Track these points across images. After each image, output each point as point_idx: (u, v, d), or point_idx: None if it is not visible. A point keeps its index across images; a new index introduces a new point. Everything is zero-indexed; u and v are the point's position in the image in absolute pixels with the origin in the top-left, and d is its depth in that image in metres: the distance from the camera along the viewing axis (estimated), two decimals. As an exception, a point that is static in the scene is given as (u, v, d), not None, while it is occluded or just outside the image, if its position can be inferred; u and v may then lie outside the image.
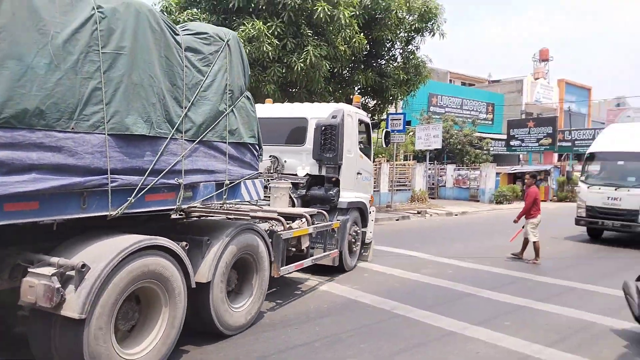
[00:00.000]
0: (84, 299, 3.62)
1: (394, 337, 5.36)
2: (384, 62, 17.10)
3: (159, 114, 4.44)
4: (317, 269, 8.01)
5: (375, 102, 17.74)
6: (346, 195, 8.46)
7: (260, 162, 5.96)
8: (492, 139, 31.86)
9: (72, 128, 3.70)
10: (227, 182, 5.23)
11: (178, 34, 4.78)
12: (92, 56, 3.83)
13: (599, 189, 12.22)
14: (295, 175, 8.41)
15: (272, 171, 8.34)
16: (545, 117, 33.46)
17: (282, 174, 8.43)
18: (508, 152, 32.25)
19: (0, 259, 3.96)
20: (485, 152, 28.90)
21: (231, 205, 6.19)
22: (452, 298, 6.96)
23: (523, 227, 10.08)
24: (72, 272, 3.69)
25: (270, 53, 12.68)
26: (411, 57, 17.16)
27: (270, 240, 5.93)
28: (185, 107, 4.76)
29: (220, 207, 5.81)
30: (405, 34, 16.87)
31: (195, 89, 4.87)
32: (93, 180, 3.85)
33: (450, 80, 38.54)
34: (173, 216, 5.60)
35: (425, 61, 17.41)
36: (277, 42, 12.89)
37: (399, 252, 10.40)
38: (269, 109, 9.26)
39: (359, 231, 9.00)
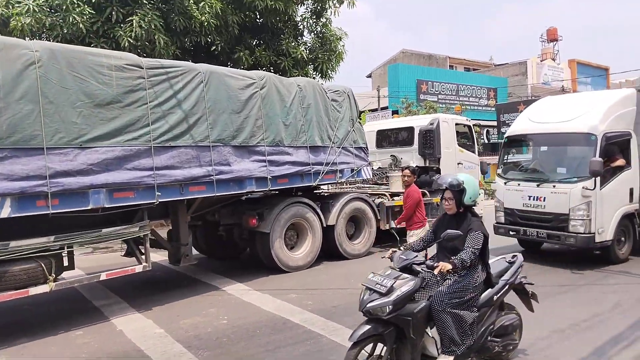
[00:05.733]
0: (271, 224, 8.36)
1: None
2: (287, 37, 13.92)
3: (325, 134, 9.09)
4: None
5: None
6: None
7: (368, 156, 10.24)
8: (482, 126, 28.75)
9: (295, 145, 8.48)
10: (355, 168, 9.68)
11: (327, 93, 9.37)
12: (299, 110, 8.63)
13: (518, 185, 8.90)
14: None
15: (392, 166, 12.02)
16: (536, 99, 30.14)
17: (399, 167, 11.52)
18: (500, 140, 29.91)
19: (240, 211, 8.66)
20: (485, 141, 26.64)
21: (361, 187, 11.63)
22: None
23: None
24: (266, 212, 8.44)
25: (82, 25, 10.34)
26: (324, 30, 14.40)
27: (377, 207, 10.13)
28: (334, 130, 9.32)
29: (347, 185, 11.49)
30: (313, 4, 14.19)
31: (337, 121, 9.43)
32: (305, 168, 8.59)
33: (452, 66, 37.47)
34: (315, 190, 9.99)
35: (338, 36, 14.53)
36: (90, 11, 10.48)
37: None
38: (386, 123, 14.06)
39: None
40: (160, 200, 6.61)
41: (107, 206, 6.12)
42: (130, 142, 6.33)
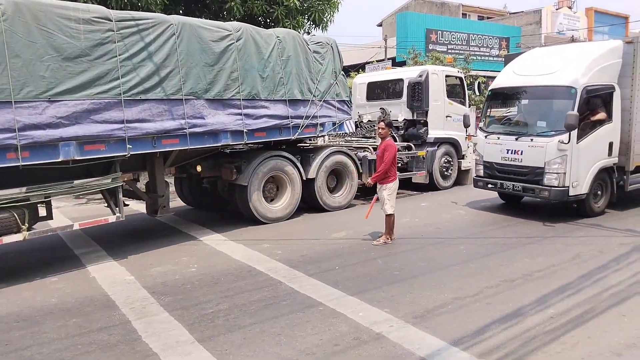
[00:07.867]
0: (249, 177, 8.51)
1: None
2: None
3: (305, 88, 8.99)
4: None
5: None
6: (434, 133, 11.71)
7: (351, 110, 10.26)
8: (487, 77, 25.10)
9: (273, 98, 8.44)
10: (337, 121, 9.68)
11: (309, 44, 9.16)
12: (278, 62, 8.53)
13: (497, 138, 8.92)
14: (397, 120, 11.73)
15: (381, 119, 11.20)
16: (544, 48, 29.43)
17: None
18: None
19: (220, 164, 8.81)
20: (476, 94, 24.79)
21: (348, 142, 11.80)
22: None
23: (377, 196, 7.51)
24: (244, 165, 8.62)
25: None
26: None
27: (360, 160, 10.27)
28: (315, 83, 9.18)
29: (330, 140, 12.12)
30: None
31: (318, 73, 9.28)
32: (283, 122, 8.61)
33: (465, 15, 36.21)
34: (299, 144, 10.25)
35: None
36: None
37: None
38: (377, 75, 13.49)
39: (451, 160, 12.09)
40: (132, 153, 6.77)
41: (78, 158, 6.29)
42: (99, 95, 6.42)
